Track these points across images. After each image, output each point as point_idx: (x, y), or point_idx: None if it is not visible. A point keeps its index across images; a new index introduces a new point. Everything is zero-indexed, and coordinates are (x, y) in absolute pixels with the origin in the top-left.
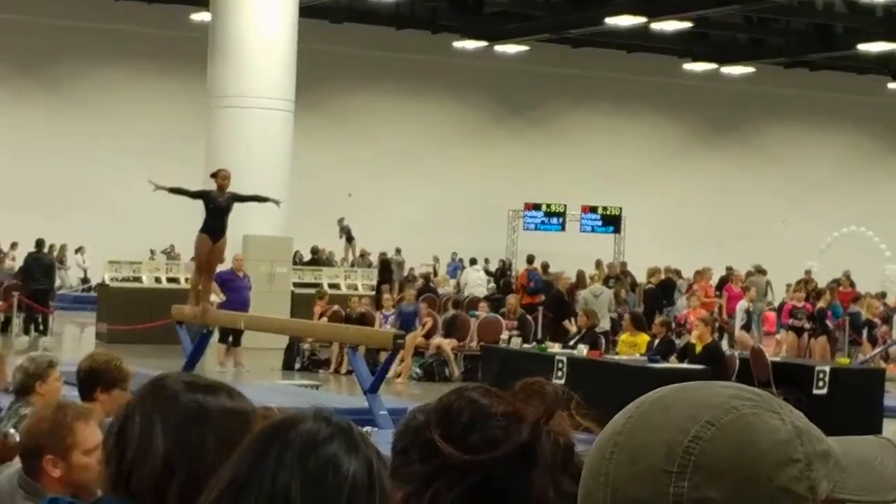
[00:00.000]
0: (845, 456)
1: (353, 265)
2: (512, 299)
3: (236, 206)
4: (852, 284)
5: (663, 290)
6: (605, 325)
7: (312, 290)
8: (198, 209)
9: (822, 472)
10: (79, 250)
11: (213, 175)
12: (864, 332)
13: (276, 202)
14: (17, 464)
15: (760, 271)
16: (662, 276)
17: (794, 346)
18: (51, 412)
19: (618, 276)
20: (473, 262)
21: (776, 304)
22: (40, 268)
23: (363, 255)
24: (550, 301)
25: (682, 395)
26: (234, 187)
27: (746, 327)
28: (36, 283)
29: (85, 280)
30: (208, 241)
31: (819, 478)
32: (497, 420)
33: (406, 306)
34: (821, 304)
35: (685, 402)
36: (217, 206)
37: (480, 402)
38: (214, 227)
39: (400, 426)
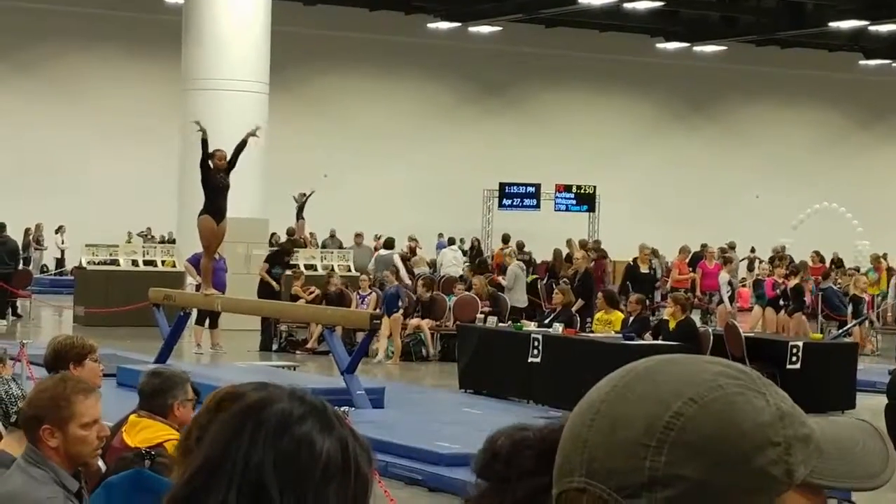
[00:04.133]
0: (827, 440)
1: (305, 245)
2: (477, 280)
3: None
4: (822, 260)
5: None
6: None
7: (289, 272)
8: (172, 193)
9: (801, 457)
10: (58, 230)
11: (210, 156)
12: (850, 308)
13: (255, 133)
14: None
15: (733, 248)
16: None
17: (772, 323)
18: (53, 383)
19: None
20: (451, 241)
21: (750, 280)
22: (6, 252)
23: (332, 235)
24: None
25: (669, 368)
26: None
27: (732, 298)
28: (2, 266)
29: (60, 263)
30: (212, 222)
31: (797, 462)
32: None
33: (388, 288)
34: (797, 280)
35: (671, 376)
36: (216, 185)
37: None
38: (214, 207)
39: (509, 445)
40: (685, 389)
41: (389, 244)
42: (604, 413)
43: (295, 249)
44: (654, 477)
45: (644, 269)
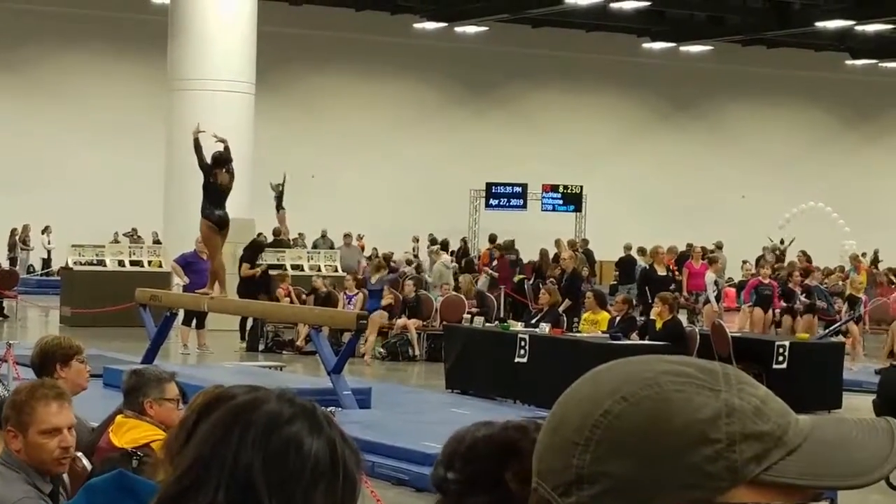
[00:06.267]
0: (813, 438)
1: (290, 244)
2: (463, 279)
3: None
4: (808, 259)
5: (624, 268)
6: None
7: (275, 272)
8: (158, 193)
9: (751, 453)
10: (45, 230)
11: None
12: (845, 308)
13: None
14: None
15: (720, 248)
16: (623, 254)
17: (760, 321)
18: (25, 387)
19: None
20: (434, 242)
21: (736, 280)
22: None
23: (323, 235)
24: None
25: (618, 368)
26: (193, 169)
27: (719, 298)
28: None
29: (46, 264)
30: (216, 231)
31: (743, 459)
32: None
33: (372, 284)
34: (805, 280)
35: (615, 376)
36: (220, 190)
37: None
38: (221, 212)
39: (463, 450)
40: (622, 388)
41: (445, 246)
42: (553, 414)
43: (281, 249)
44: (581, 474)
45: (661, 272)
